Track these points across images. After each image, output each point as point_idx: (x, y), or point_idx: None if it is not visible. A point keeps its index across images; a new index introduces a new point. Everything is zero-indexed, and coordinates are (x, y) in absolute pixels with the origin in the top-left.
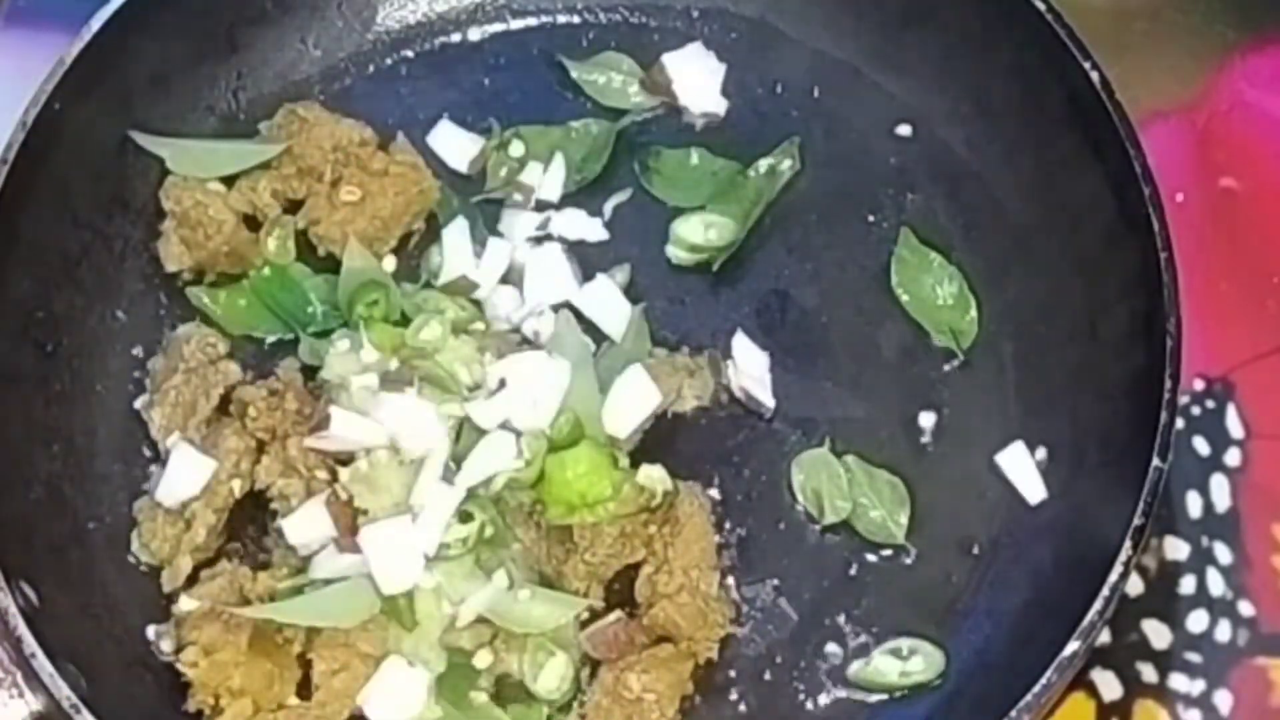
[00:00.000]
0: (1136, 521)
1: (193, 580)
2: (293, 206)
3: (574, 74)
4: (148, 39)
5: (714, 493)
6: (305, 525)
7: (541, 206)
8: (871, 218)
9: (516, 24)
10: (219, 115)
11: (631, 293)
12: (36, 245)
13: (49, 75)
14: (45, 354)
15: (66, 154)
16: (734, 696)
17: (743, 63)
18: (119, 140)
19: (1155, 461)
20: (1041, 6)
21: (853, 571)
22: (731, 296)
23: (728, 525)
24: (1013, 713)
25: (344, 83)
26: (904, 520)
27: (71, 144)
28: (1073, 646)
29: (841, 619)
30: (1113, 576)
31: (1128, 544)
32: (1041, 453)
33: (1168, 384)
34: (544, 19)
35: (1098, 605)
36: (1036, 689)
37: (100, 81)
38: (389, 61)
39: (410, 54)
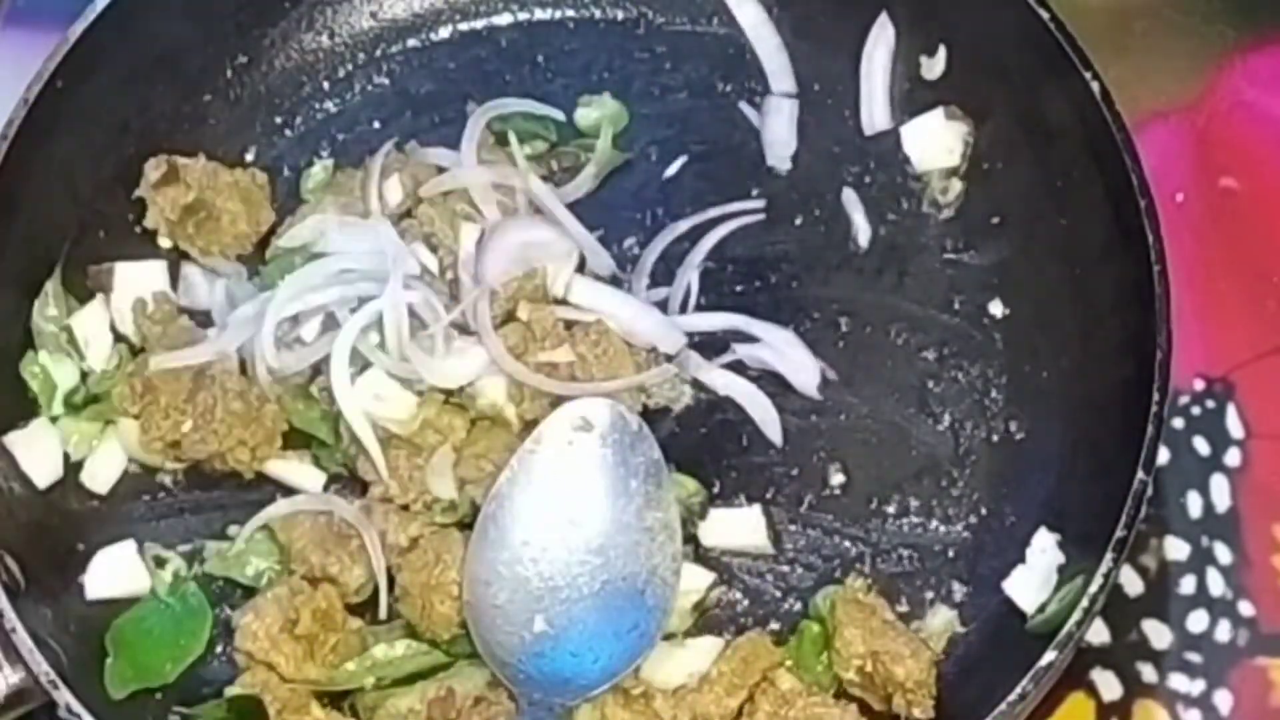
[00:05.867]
0: (1119, 534)
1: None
2: None
3: None
4: (153, 19)
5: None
6: None
7: None
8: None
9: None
10: (224, 98)
11: None
12: (35, 222)
13: (53, 52)
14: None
15: (68, 132)
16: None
17: (735, 65)
18: (121, 120)
19: (1139, 475)
20: (1044, 15)
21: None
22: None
23: None
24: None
25: (349, 67)
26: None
27: (73, 122)
28: (1049, 657)
29: None
30: (1092, 588)
31: (1109, 555)
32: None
33: (1155, 397)
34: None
35: (1075, 616)
36: (1011, 698)
37: (104, 61)
38: (396, 48)
39: (418, 42)
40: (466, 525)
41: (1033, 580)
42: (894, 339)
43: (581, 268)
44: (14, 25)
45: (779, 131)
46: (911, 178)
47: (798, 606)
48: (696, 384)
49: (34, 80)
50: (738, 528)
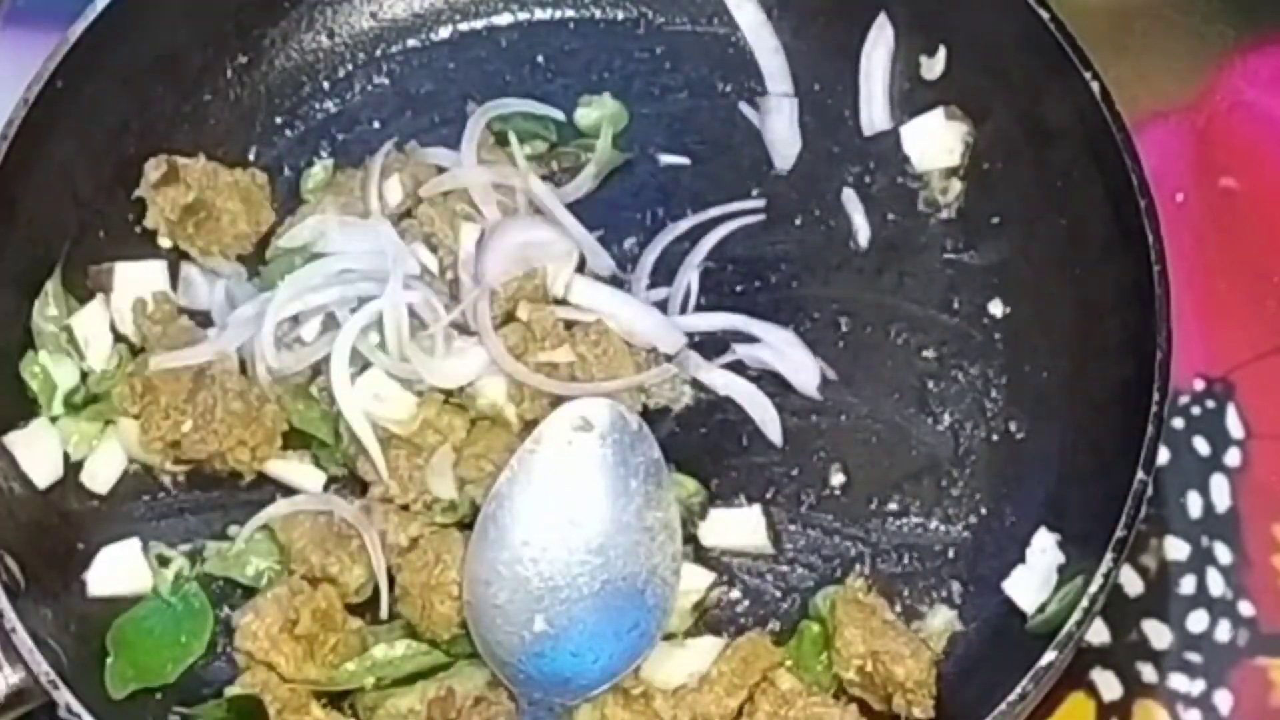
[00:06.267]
0: (1119, 534)
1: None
2: None
3: None
4: (153, 19)
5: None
6: None
7: None
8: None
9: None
10: (224, 98)
11: None
12: (35, 222)
13: (53, 52)
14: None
15: (68, 132)
16: None
17: (735, 65)
18: (121, 120)
19: (1139, 474)
20: (1044, 15)
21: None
22: None
23: None
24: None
25: (349, 67)
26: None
27: (73, 122)
28: (1049, 656)
29: None
30: (1092, 588)
31: (1109, 555)
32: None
33: (1155, 396)
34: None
35: (1076, 616)
36: (1011, 697)
37: (104, 61)
38: (396, 48)
39: (418, 42)
40: (466, 525)
41: (1033, 580)
42: (894, 339)
43: (581, 268)
44: (14, 25)
45: (780, 131)
46: (911, 177)
47: (798, 606)
48: (696, 384)
49: (34, 80)
50: (738, 528)
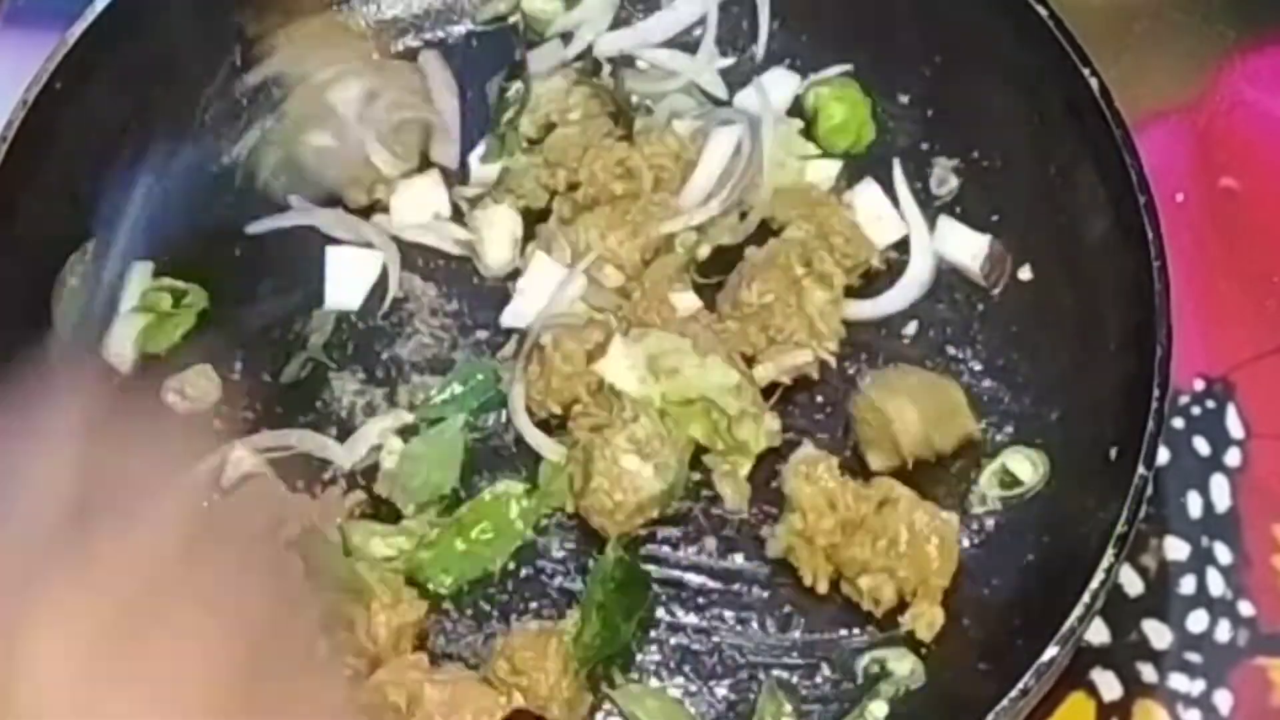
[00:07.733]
0: (1119, 529)
1: None
2: None
3: None
4: (153, 20)
5: None
6: None
7: None
8: None
9: None
10: (224, 99)
11: None
12: (35, 226)
13: (51, 54)
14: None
15: (68, 134)
16: None
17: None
18: (121, 122)
19: (1140, 470)
20: (1042, 11)
21: None
22: None
23: None
24: (989, 716)
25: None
26: None
27: (73, 124)
28: (1051, 652)
29: None
30: (1094, 584)
31: (1110, 551)
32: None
33: (1156, 393)
34: None
35: (1077, 612)
36: (1013, 694)
37: (104, 62)
38: (397, 49)
39: (418, 43)
40: None
41: None
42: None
43: None
44: (14, 25)
45: None
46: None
47: None
48: None
49: (33, 82)
50: None
